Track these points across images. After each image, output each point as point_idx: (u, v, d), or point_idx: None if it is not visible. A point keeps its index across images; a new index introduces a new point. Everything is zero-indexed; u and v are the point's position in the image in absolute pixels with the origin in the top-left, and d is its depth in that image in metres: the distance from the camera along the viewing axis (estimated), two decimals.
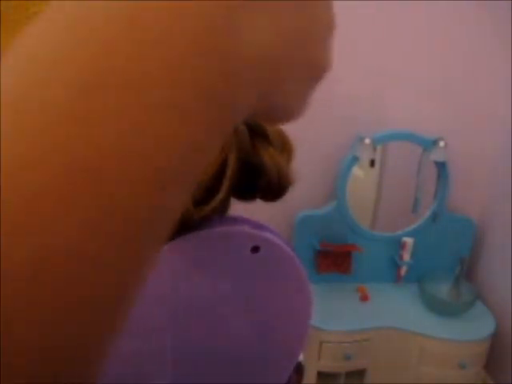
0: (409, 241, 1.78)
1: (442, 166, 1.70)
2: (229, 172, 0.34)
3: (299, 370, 0.42)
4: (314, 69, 0.21)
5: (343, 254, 1.76)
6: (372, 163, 1.73)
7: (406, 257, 1.80)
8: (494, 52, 1.64)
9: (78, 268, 0.12)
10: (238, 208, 0.43)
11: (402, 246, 1.79)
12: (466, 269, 1.78)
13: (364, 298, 1.75)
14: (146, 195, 0.13)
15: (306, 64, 0.20)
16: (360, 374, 1.73)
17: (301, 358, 0.42)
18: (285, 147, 0.38)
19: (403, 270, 1.83)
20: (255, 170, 0.36)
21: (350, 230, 1.75)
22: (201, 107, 0.14)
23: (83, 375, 0.14)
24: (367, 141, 1.60)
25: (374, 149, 1.64)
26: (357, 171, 1.73)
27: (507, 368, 1.71)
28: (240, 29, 0.15)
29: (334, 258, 1.76)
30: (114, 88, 0.12)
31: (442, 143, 1.63)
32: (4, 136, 0.12)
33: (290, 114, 0.21)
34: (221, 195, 0.34)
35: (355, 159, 1.65)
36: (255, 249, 0.34)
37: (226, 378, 0.39)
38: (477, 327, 1.65)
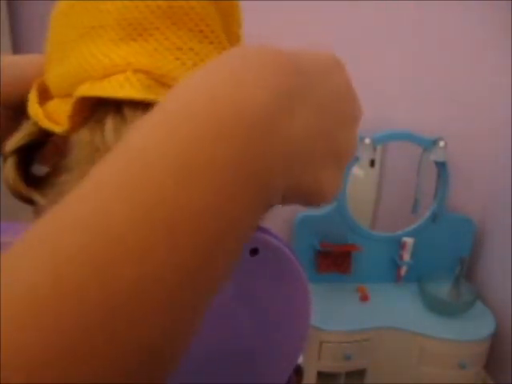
0: (409, 241, 1.78)
1: (442, 166, 1.70)
2: None
3: (299, 371, 0.42)
4: (342, 156, 0.25)
5: (343, 254, 1.76)
6: (372, 163, 1.73)
7: (406, 257, 1.80)
8: (494, 52, 1.64)
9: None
10: None
11: (402, 246, 1.79)
12: (466, 269, 1.78)
13: (364, 298, 1.75)
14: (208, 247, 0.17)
15: (334, 153, 0.24)
16: (360, 374, 1.72)
17: (300, 359, 0.42)
18: None
19: (403, 270, 1.83)
20: None
21: (350, 230, 1.75)
22: (248, 190, 0.18)
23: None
24: (367, 141, 1.60)
25: (374, 149, 1.64)
26: (357, 171, 1.73)
27: (507, 368, 1.71)
28: (278, 129, 0.19)
29: (334, 258, 1.76)
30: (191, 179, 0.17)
31: (441, 143, 1.63)
32: None
33: (324, 197, 0.24)
34: None
35: (355, 159, 1.65)
36: (253, 251, 0.34)
37: (225, 379, 0.39)
38: (477, 327, 1.65)
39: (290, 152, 0.20)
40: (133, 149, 0.17)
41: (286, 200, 0.23)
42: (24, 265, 0.15)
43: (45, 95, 0.33)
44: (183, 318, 0.17)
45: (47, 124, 0.30)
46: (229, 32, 0.34)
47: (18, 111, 0.33)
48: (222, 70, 0.20)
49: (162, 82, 0.30)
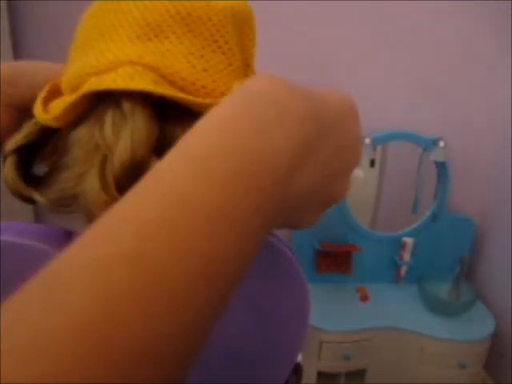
0: (409, 241, 1.78)
1: (442, 166, 1.70)
2: None
3: (298, 370, 0.42)
4: (335, 200, 0.27)
5: (343, 254, 1.76)
6: (372, 163, 1.73)
7: (406, 257, 1.80)
8: (494, 52, 1.64)
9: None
10: None
11: (402, 246, 1.79)
12: (466, 269, 1.78)
13: (364, 298, 1.75)
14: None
15: (329, 199, 0.26)
16: (360, 373, 1.72)
17: (299, 358, 0.42)
18: None
19: (403, 270, 1.83)
20: None
21: (350, 230, 1.75)
22: (258, 222, 0.20)
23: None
24: (367, 141, 1.60)
25: (374, 149, 1.64)
26: (357, 171, 1.73)
27: (507, 368, 1.71)
28: (292, 184, 0.21)
29: (334, 258, 1.76)
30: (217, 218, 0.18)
31: (441, 143, 1.63)
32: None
33: (304, 226, 0.27)
34: None
35: None
36: None
37: (224, 378, 0.39)
38: (477, 327, 1.65)
39: (295, 203, 0.22)
40: (169, 192, 0.18)
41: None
42: (73, 297, 0.15)
43: (55, 95, 0.33)
44: (199, 337, 0.19)
45: (39, 114, 0.31)
46: (242, 46, 0.35)
47: (27, 114, 0.34)
48: (250, 112, 0.21)
49: (170, 80, 0.30)
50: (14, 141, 0.32)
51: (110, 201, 0.28)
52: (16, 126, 0.35)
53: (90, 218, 0.30)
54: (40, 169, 0.34)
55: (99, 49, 0.31)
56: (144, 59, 0.30)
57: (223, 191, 0.18)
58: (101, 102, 0.30)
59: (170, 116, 0.31)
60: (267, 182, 0.19)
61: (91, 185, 0.29)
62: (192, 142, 0.20)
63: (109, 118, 0.29)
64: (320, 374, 1.68)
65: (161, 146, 0.29)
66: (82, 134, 0.31)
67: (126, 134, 0.28)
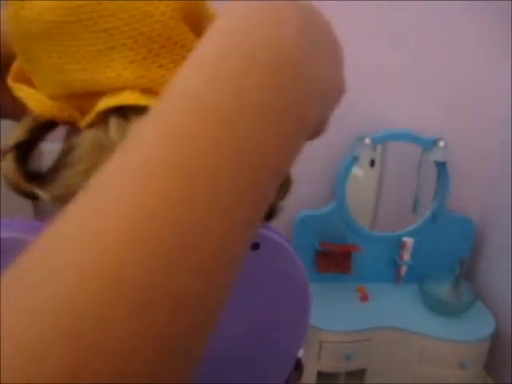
0: (409, 241, 1.78)
1: (442, 166, 1.70)
2: None
3: (299, 366, 0.42)
4: (341, 95, 0.28)
5: (343, 254, 1.76)
6: (372, 163, 1.73)
7: (406, 257, 1.80)
8: (494, 52, 1.64)
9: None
10: None
11: (402, 246, 1.79)
12: (466, 269, 1.78)
13: (364, 298, 1.75)
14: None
15: (338, 92, 0.27)
16: (360, 373, 1.72)
17: (300, 353, 0.42)
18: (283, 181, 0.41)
19: (403, 270, 1.83)
20: None
21: (350, 230, 1.75)
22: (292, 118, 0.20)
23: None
24: (367, 141, 1.60)
25: (374, 149, 1.64)
26: (357, 171, 1.73)
27: (507, 368, 1.71)
28: (312, 74, 0.21)
29: (334, 258, 1.76)
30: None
31: (441, 143, 1.63)
32: None
33: (323, 132, 0.28)
34: None
35: (355, 159, 1.65)
36: (255, 245, 0.34)
37: (225, 377, 0.39)
38: (477, 327, 1.65)
39: (317, 91, 0.22)
40: (183, 98, 0.18)
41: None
42: (103, 227, 0.16)
43: (20, 80, 0.33)
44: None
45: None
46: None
47: None
48: (256, 16, 0.21)
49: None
50: (15, 137, 0.32)
51: None
52: None
53: None
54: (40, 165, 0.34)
55: (97, 69, 0.30)
56: (140, 85, 0.30)
57: (245, 90, 0.18)
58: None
59: None
60: (289, 75, 0.19)
61: None
62: (202, 46, 0.20)
63: (113, 121, 0.29)
64: (320, 374, 1.68)
65: None
66: (87, 132, 0.31)
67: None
